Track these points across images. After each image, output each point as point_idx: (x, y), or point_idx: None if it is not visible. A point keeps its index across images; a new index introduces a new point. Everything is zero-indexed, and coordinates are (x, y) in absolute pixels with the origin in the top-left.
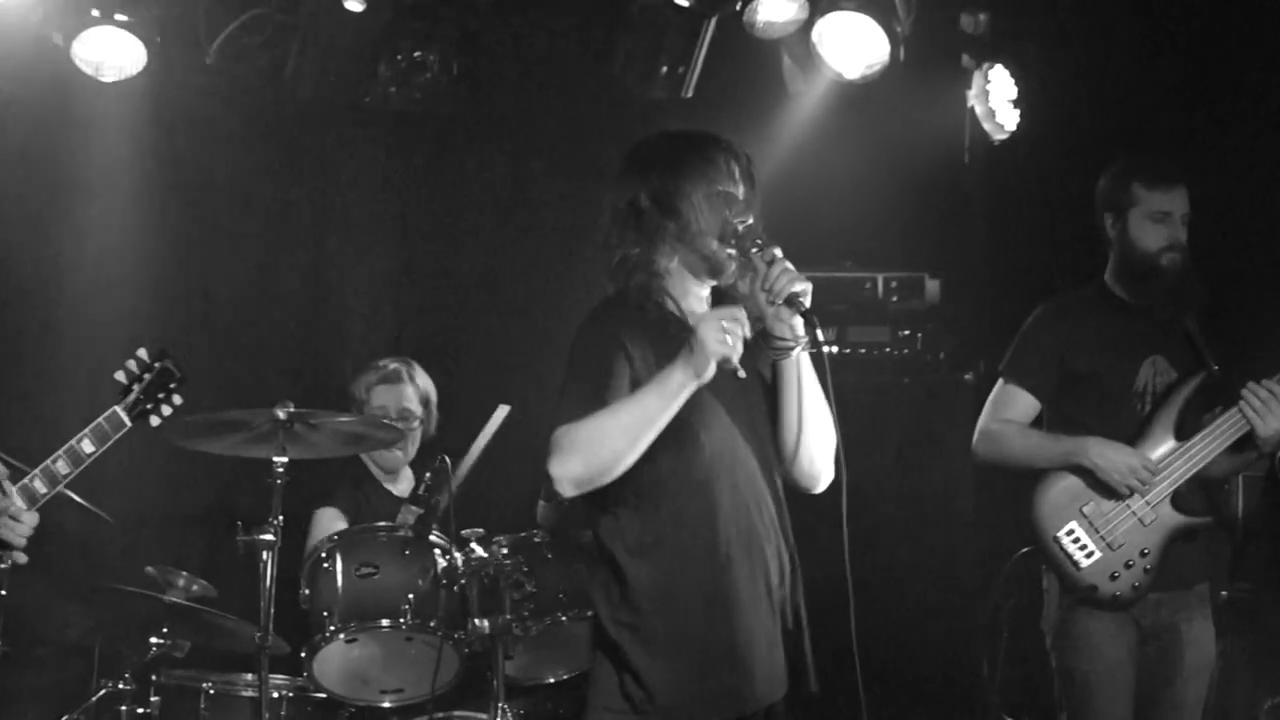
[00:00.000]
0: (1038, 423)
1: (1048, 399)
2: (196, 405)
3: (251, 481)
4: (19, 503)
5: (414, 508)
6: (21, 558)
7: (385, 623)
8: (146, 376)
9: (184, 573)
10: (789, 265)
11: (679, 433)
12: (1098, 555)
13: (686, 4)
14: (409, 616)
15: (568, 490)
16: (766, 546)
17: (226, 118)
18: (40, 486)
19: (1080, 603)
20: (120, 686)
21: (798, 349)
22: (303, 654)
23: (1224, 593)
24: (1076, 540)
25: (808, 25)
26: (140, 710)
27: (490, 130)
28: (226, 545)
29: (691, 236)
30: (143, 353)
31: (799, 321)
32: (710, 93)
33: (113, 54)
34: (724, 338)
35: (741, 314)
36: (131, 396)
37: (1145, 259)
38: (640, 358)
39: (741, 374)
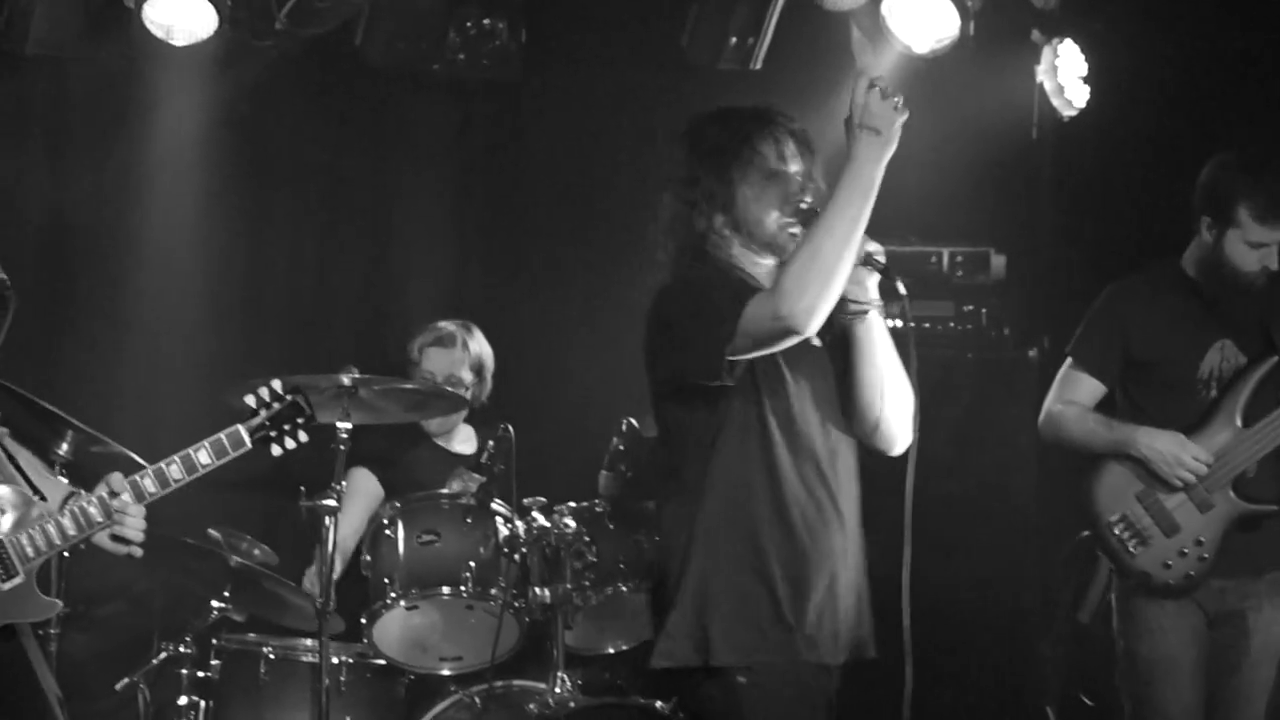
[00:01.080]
0: (1105, 404)
1: (1113, 382)
2: (258, 371)
3: (312, 446)
4: (127, 497)
5: (476, 475)
6: (138, 551)
7: (446, 590)
8: (275, 406)
9: (247, 536)
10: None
11: (756, 415)
12: (1151, 542)
13: None
14: (470, 584)
15: (808, 326)
16: (839, 523)
17: (294, 84)
18: (150, 485)
19: (1139, 590)
20: (181, 650)
21: (872, 310)
22: (363, 620)
23: None
24: (1130, 527)
25: None
26: (201, 674)
27: (556, 99)
28: (287, 509)
29: (748, 225)
30: (276, 384)
31: (874, 281)
32: (778, 65)
33: (184, 17)
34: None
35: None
36: (257, 420)
37: (1234, 276)
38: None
39: (817, 342)
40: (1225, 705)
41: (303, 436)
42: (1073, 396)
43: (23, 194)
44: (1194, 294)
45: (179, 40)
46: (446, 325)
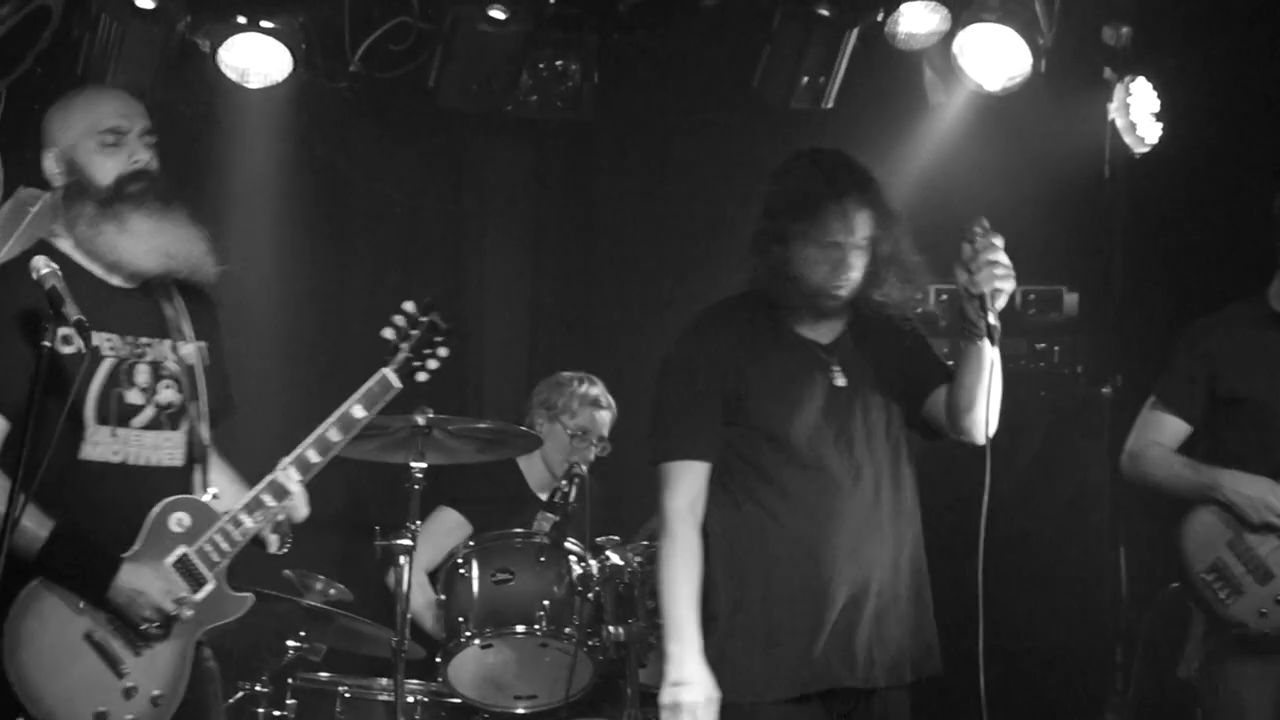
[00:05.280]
0: (1190, 444)
1: (1198, 422)
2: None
3: (385, 486)
4: (293, 477)
5: (550, 514)
6: (286, 546)
7: (520, 629)
8: (414, 333)
9: (321, 576)
10: (994, 262)
11: (802, 440)
12: (1245, 592)
13: (828, 14)
14: (544, 623)
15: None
16: (878, 549)
17: (368, 124)
18: (313, 455)
19: (1227, 642)
20: (257, 689)
21: (973, 340)
22: (438, 659)
23: None
24: (1222, 576)
25: (949, 37)
26: (277, 712)
27: (628, 140)
28: (361, 550)
29: (795, 278)
30: (410, 306)
31: (980, 319)
32: (851, 104)
33: (258, 60)
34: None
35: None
36: (400, 355)
37: None
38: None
39: (841, 382)
40: None
41: (444, 353)
42: (1156, 437)
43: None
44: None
45: (254, 83)
46: (597, 384)
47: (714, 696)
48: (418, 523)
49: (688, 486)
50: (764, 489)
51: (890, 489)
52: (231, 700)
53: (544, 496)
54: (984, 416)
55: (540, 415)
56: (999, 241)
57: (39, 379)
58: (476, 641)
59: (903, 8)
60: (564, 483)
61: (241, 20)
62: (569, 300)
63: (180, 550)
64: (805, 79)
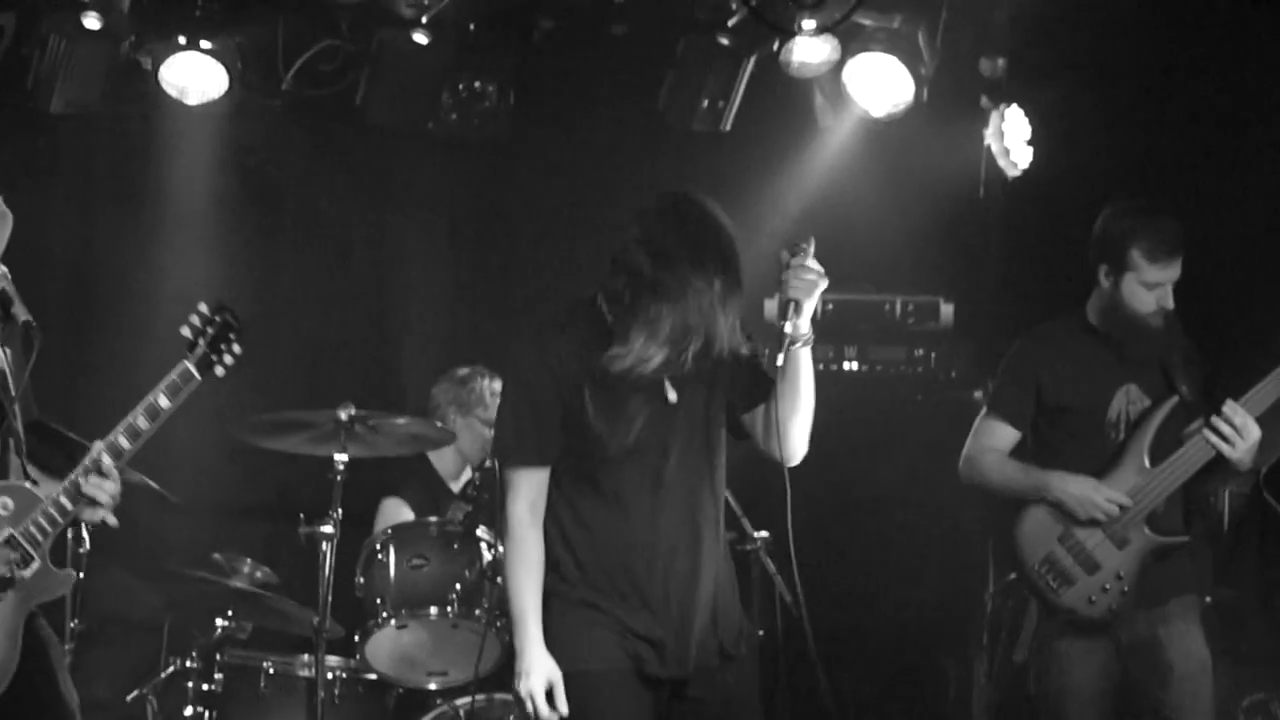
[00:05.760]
0: (1020, 448)
1: (1026, 428)
2: (264, 406)
3: (311, 476)
4: (106, 461)
5: (463, 504)
6: (112, 519)
7: (434, 610)
8: (210, 330)
9: (248, 560)
10: (802, 271)
11: (630, 448)
12: (1075, 582)
13: (728, 43)
14: (456, 605)
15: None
16: (688, 536)
17: (299, 140)
18: (124, 441)
19: (1059, 626)
20: (188, 664)
21: (784, 347)
22: (356, 638)
23: (1208, 599)
24: (1054, 568)
25: (839, 66)
26: (206, 687)
27: (541, 157)
28: (287, 535)
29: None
30: (204, 306)
31: (788, 325)
32: (747, 127)
33: (197, 79)
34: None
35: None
36: (199, 350)
37: (1134, 319)
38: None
39: (672, 398)
40: None
41: (237, 349)
42: (990, 443)
43: (50, 239)
44: (1098, 341)
45: (192, 100)
46: (496, 378)
47: (555, 678)
48: (339, 511)
49: (528, 490)
50: (593, 489)
51: (707, 494)
52: (163, 675)
53: (454, 487)
54: (788, 429)
55: (452, 412)
56: (813, 261)
57: None
58: (393, 622)
59: (796, 38)
60: (476, 474)
61: (182, 40)
62: (484, 303)
63: (5, 531)
64: (706, 103)
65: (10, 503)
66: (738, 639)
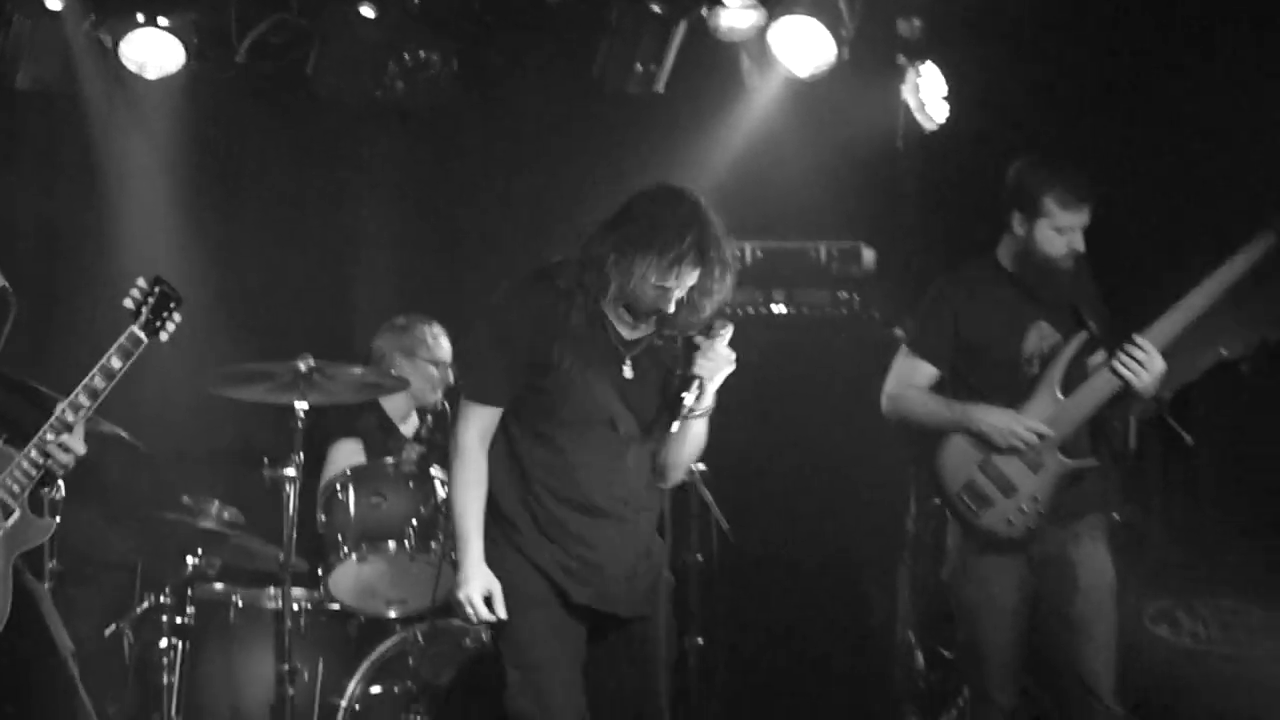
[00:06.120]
0: (941, 385)
1: (946, 366)
2: (228, 358)
3: (273, 423)
4: (70, 416)
5: (418, 445)
6: (60, 487)
7: (391, 545)
8: (150, 300)
9: (215, 501)
10: (714, 354)
11: (582, 410)
12: (994, 505)
13: (659, 10)
14: (412, 539)
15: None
16: (622, 493)
17: (253, 110)
18: (84, 399)
19: (978, 545)
20: (161, 600)
21: (680, 416)
22: (319, 571)
23: (1116, 516)
24: (975, 493)
25: (764, 29)
26: (179, 620)
27: (484, 122)
28: (252, 478)
29: (626, 293)
30: (142, 281)
31: (689, 398)
32: (678, 88)
33: (155, 54)
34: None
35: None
36: (143, 317)
37: (1046, 262)
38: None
39: (629, 375)
40: (1072, 635)
41: (178, 318)
42: (911, 380)
43: (17, 209)
44: (1010, 283)
45: (151, 74)
46: (433, 322)
47: (494, 587)
48: (300, 455)
49: (479, 423)
50: (545, 445)
51: (648, 462)
52: (138, 610)
53: (403, 429)
54: (671, 469)
55: (398, 357)
56: (725, 346)
57: None
58: (353, 556)
59: (724, 4)
60: (429, 417)
61: (140, 18)
62: (429, 258)
63: None
64: (639, 67)
65: None
66: (655, 590)
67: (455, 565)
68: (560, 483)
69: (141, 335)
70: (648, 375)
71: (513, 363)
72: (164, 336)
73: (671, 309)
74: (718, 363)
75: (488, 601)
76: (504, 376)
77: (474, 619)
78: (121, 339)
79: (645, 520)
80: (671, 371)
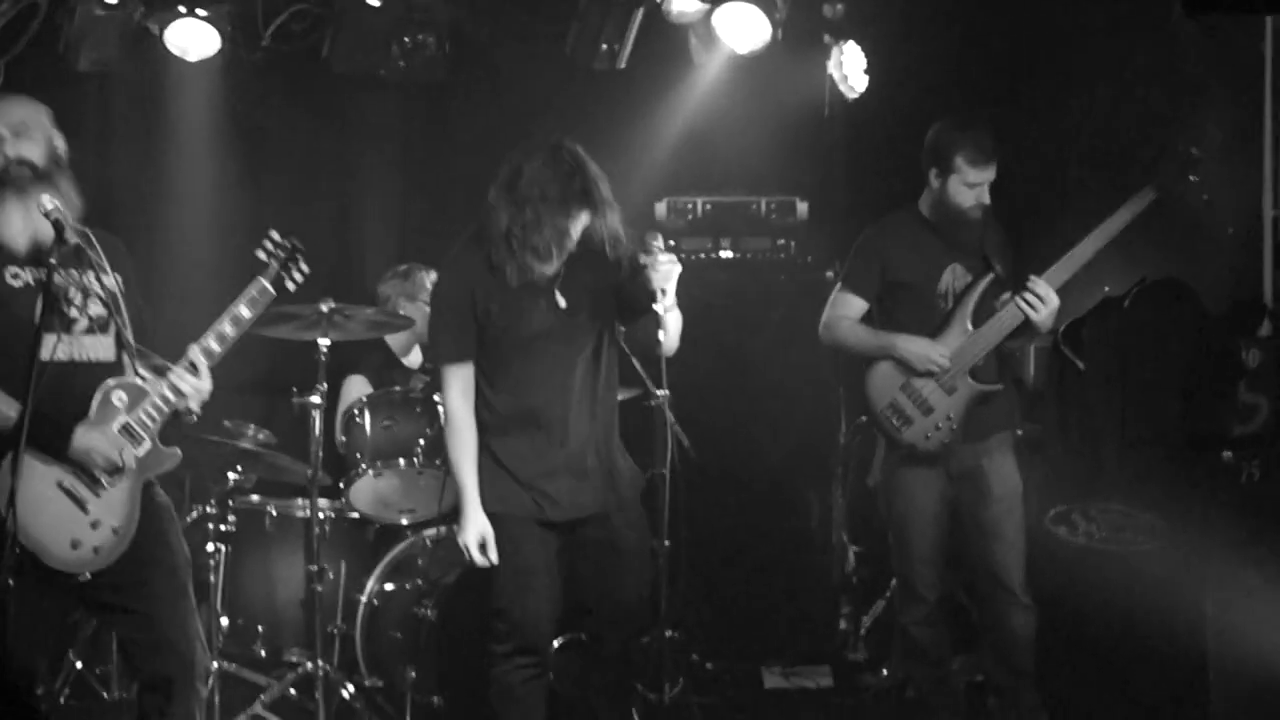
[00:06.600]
0: (868, 318)
1: (873, 300)
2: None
3: (292, 356)
4: (200, 360)
5: (423, 375)
6: (196, 410)
7: (403, 461)
8: (280, 253)
9: (251, 424)
10: (662, 266)
11: (525, 341)
12: (914, 422)
13: None
14: (420, 457)
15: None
16: (576, 411)
17: (278, 87)
18: (214, 344)
19: (901, 457)
20: (207, 509)
21: (660, 322)
22: (341, 485)
23: (1019, 432)
24: (897, 411)
25: (709, 13)
26: (223, 527)
27: (472, 95)
28: (278, 404)
29: (528, 239)
30: (274, 234)
31: (659, 307)
32: (637, 65)
33: (194, 40)
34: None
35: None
36: (271, 269)
37: (958, 212)
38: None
39: (562, 304)
40: (985, 537)
41: (305, 268)
42: (844, 312)
43: (78, 175)
44: (929, 230)
45: (191, 57)
46: (430, 271)
47: (488, 533)
48: (324, 385)
49: (458, 382)
50: (503, 375)
51: (595, 375)
52: (188, 519)
53: (406, 361)
54: (668, 346)
55: (402, 301)
56: (665, 254)
57: (48, 294)
58: (370, 471)
59: None
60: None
61: (182, 9)
62: (427, 214)
63: (122, 419)
64: (604, 46)
65: (125, 396)
66: (628, 485)
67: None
68: (521, 409)
69: (269, 287)
70: (580, 298)
71: (465, 322)
72: (291, 287)
73: (573, 245)
74: (668, 269)
75: (483, 548)
76: (461, 334)
77: (472, 562)
78: (251, 289)
79: (599, 428)
80: (614, 285)
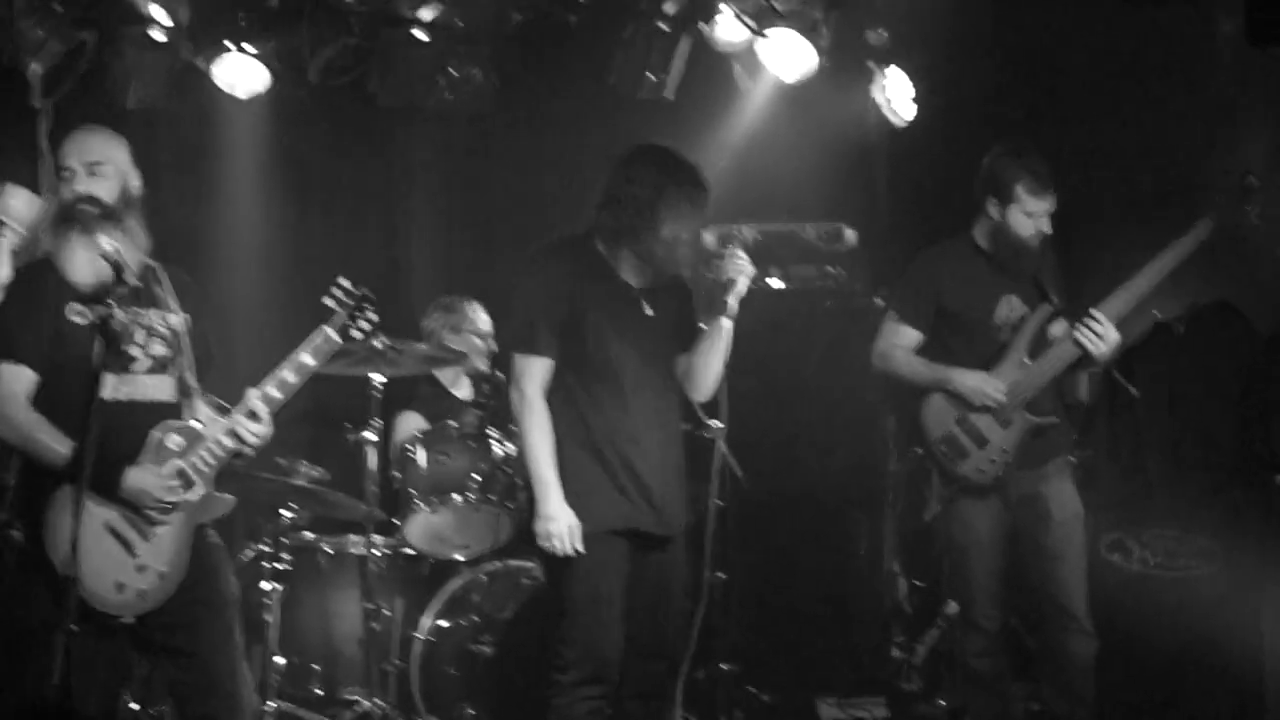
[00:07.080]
0: (922, 348)
1: (927, 330)
2: (303, 337)
3: (345, 390)
4: (260, 407)
5: (475, 410)
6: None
7: (457, 497)
8: (349, 302)
9: (304, 461)
10: (735, 258)
11: (615, 351)
12: (969, 456)
13: (666, 27)
14: (475, 492)
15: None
16: (660, 427)
17: (325, 120)
18: (274, 392)
19: (959, 490)
20: (262, 548)
21: (718, 315)
22: (395, 521)
23: (1072, 459)
24: (953, 445)
25: (754, 42)
26: (278, 566)
27: (517, 127)
28: (330, 439)
29: (645, 245)
30: (344, 281)
31: (731, 299)
32: (684, 94)
33: (243, 76)
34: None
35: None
36: (338, 319)
37: (1017, 241)
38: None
39: (649, 312)
40: (1048, 562)
41: (374, 317)
42: (897, 341)
43: None
44: (984, 259)
45: (240, 93)
46: (473, 302)
47: (574, 524)
48: (378, 420)
49: (538, 374)
50: (590, 381)
51: (673, 391)
52: (244, 558)
53: (456, 394)
54: (703, 379)
55: (447, 334)
56: (742, 253)
57: (105, 334)
58: (425, 507)
59: (718, 19)
60: (485, 385)
61: (229, 46)
62: (472, 247)
63: (177, 463)
64: (649, 76)
65: (181, 440)
66: (684, 513)
67: (512, 514)
68: (609, 417)
69: (334, 336)
70: (666, 311)
71: (552, 317)
72: (357, 335)
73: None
74: (742, 266)
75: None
76: (548, 330)
77: (560, 552)
78: (315, 337)
79: (673, 452)
80: (692, 292)
